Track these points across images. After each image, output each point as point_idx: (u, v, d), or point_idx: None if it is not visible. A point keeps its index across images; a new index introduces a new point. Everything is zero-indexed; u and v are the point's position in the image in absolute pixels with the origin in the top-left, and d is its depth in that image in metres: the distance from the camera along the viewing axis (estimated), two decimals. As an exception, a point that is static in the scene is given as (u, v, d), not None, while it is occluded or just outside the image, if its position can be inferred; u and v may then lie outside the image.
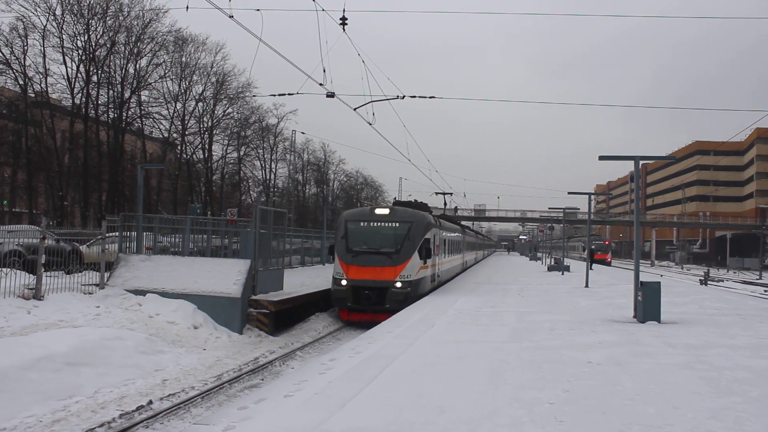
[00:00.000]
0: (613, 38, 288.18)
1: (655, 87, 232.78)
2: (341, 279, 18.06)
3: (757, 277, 53.34)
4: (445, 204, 39.10)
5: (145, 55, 44.79)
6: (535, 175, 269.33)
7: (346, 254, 18.37)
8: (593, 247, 71.98)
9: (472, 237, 46.57)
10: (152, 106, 47.72)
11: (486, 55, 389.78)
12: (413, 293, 18.17)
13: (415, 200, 26.33)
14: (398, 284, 17.82)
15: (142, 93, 46.11)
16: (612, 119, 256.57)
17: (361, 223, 19.26)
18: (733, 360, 9.52)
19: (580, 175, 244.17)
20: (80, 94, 41.96)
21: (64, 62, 40.68)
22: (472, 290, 22.26)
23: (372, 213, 19.69)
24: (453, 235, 29.13)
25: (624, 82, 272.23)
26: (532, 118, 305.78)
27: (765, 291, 35.98)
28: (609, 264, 62.49)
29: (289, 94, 23.31)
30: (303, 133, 70.17)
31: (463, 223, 49.06)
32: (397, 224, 18.97)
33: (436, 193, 41.96)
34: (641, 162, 15.39)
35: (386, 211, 19.58)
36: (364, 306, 17.86)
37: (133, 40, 43.27)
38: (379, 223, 19.20)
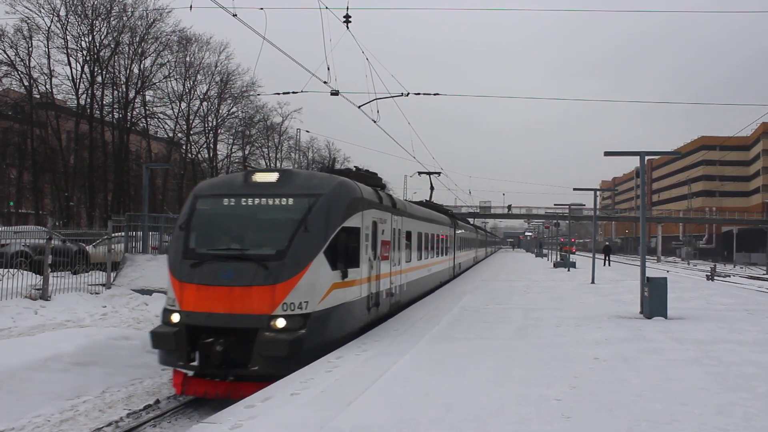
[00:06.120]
0: (633, 38, 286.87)
1: (676, 85, 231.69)
2: (172, 311, 9.29)
3: (764, 272, 53.09)
4: (432, 187, 29.02)
5: (150, 55, 44.99)
6: (544, 174, 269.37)
7: (182, 262, 9.50)
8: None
9: (470, 231, 38.04)
10: (157, 106, 47.92)
11: (506, 55, 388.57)
12: (315, 339, 9.16)
13: (357, 168, 15.29)
14: (279, 322, 8.86)
15: (146, 93, 46.32)
16: (632, 118, 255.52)
17: (224, 201, 10.23)
18: (740, 355, 9.49)
19: (589, 174, 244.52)
20: (85, 95, 42.19)
21: (69, 63, 40.89)
22: (477, 287, 22.20)
23: (246, 181, 10.41)
24: (432, 226, 20.19)
25: (644, 81, 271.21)
26: (548, 118, 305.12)
27: (772, 286, 35.80)
28: (573, 253, 69.33)
29: (293, 93, 23.12)
30: (308, 131, 70.60)
31: (464, 217, 46.41)
32: (290, 201, 9.94)
33: (420, 173, 30.48)
34: (647, 157, 15.31)
35: (272, 177, 10.36)
36: (208, 368, 8.80)
37: (137, 40, 43.41)
38: (255, 201, 10.07)
